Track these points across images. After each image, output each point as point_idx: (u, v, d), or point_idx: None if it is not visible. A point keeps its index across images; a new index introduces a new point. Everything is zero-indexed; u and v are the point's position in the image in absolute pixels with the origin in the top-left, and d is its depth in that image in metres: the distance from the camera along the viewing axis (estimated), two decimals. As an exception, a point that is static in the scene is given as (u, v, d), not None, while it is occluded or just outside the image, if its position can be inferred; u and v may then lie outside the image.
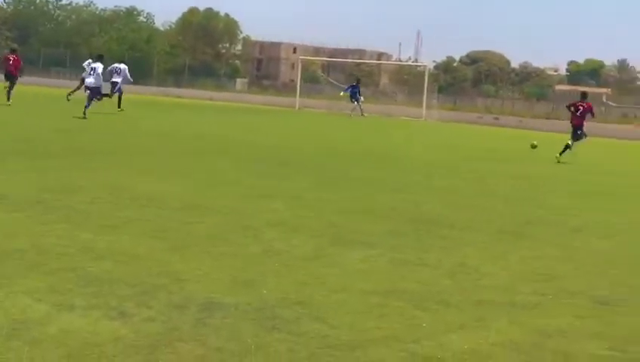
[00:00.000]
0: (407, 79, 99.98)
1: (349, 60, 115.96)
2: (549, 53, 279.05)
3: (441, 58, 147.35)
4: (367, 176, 17.23)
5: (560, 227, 12.13)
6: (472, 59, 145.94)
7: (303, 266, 8.34)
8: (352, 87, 50.28)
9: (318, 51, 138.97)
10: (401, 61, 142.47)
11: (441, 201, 14.05)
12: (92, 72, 32.06)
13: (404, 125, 40.08)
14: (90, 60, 34.94)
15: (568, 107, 27.92)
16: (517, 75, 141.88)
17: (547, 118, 56.00)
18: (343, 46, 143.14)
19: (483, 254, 9.66)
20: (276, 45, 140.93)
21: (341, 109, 54.14)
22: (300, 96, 56.26)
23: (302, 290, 7.36)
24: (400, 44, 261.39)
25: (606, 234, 11.83)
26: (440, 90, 67.76)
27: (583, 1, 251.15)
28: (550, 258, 9.72)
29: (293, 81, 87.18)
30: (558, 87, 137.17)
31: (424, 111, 50.88)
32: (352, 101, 48.94)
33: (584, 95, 29.26)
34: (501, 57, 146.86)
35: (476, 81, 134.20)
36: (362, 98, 50.09)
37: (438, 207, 13.32)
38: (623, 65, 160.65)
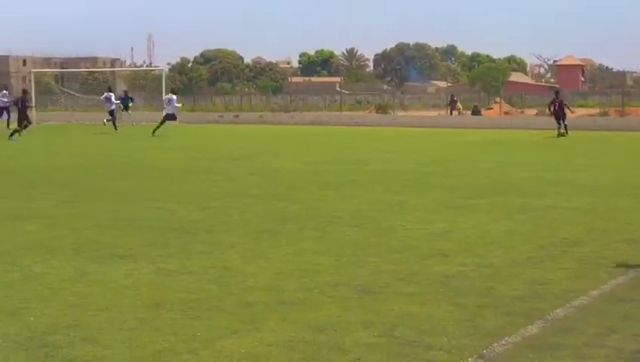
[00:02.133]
0: (144, 84, 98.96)
1: (82, 70, 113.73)
2: (280, 46, 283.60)
3: (175, 60, 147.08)
4: (118, 187, 17.02)
5: (314, 220, 12.41)
6: (206, 59, 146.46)
7: (68, 287, 8.20)
8: (122, 98, 49.98)
9: (48, 62, 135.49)
10: (135, 66, 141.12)
11: (196, 206, 14.06)
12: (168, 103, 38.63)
13: (146, 131, 39.68)
14: (171, 95, 39.91)
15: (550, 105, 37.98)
16: (251, 70, 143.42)
17: (286, 111, 56.80)
18: (74, 55, 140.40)
19: (245, 255, 9.79)
20: (4, 58, 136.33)
21: (79, 120, 53.05)
22: (37, 109, 54.69)
23: (70, 313, 7.24)
24: (132, 49, 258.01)
25: (358, 223, 12.19)
26: (178, 91, 67.56)
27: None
28: (310, 252, 9.96)
29: (28, 93, 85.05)
30: (293, 79, 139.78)
31: (164, 114, 50.41)
32: (125, 110, 48.51)
33: (557, 92, 40.24)
34: (234, 54, 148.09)
35: (212, 79, 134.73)
36: (132, 104, 49.72)
37: (193, 212, 13.33)
38: (351, 53, 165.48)
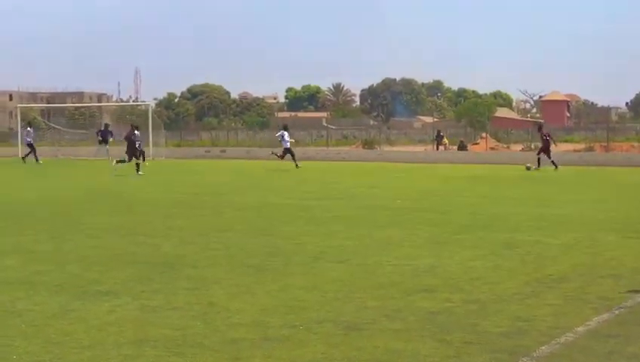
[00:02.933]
0: (131, 119, 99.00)
1: (69, 105, 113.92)
2: (267, 81, 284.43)
3: (162, 95, 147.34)
4: (102, 222, 16.93)
5: (300, 256, 12.38)
6: (193, 94, 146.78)
7: (51, 324, 8.14)
8: (101, 131, 50.01)
9: (35, 97, 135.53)
10: (122, 101, 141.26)
11: (181, 241, 14.02)
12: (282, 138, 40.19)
13: (130, 166, 39.69)
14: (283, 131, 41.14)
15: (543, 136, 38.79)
16: (238, 105, 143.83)
17: (275, 146, 56.83)
18: (61, 90, 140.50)
19: (230, 291, 9.75)
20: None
21: (65, 154, 53.02)
22: (22, 144, 54.58)
23: (53, 350, 7.19)
24: (119, 84, 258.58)
25: (344, 258, 12.16)
26: (165, 127, 67.52)
27: (292, 30, 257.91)
28: (295, 288, 9.92)
29: (12, 129, 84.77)
30: (280, 114, 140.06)
31: (151, 150, 50.53)
32: (103, 143, 48.53)
33: (540, 127, 42.42)
34: (220, 89, 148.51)
35: (199, 114, 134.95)
36: (112, 139, 49.72)
37: (178, 247, 13.29)
38: (338, 88, 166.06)
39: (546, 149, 38.25)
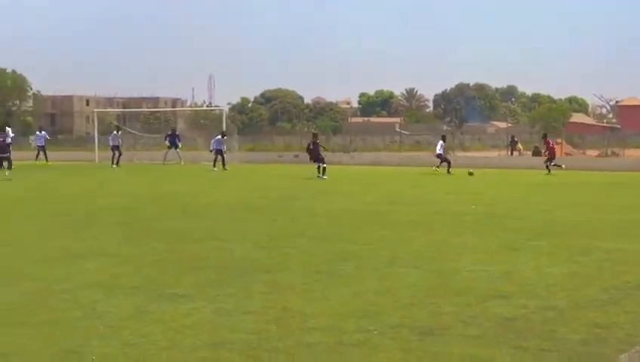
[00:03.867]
0: (205, 123, 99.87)
1: (144, 109, 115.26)
2: (340, 87, 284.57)
3: (235, 100, 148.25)
4: (176, 226, 17.07)
5: (374, 261, 12.36)
6: (267, 99, 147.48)
7: (128, 326, 8.23)
8: (169, 135, 50.67)
9: (111, 102, 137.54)
10: (196, 105, 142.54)
11: (255, 245, 14.08)
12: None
13: (206, 171, 40.04)
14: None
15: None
16: (311, 110, 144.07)
17: (345, 152, 56.82)
18: (136, 95, 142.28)
19: (304, 296, 9.77)
20: (68, 99, 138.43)
21: (140, 159, 53.61)
22: (99, 148, 55.33)
23: (130, 352, 7.27)
24: (193, 89, 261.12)
25: (417, 264, 12.11)
26: (238, 131, 67.94)
27: (366, 36, 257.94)
28: (369, 293, 9.90)
29: (89, 133, 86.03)
30: (353, 120, 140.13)
31: (225, 154, 50.86)
32: (172, 147, 49.23)
33: (545, 135, 44.70)
34: (294, 94, 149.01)
35: (272, 119, 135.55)
36: (180, 145, 50.37)
37: (252, 252, 13.35)
38: (411, 94, 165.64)
39: (552, 157, 40.35)
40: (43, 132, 51.35)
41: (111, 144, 47.50)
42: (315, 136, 39.23)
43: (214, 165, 42.57)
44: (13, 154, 38.27)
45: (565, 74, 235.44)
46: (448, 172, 38.51)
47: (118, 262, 12.31)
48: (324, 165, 36.15)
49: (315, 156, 36.72)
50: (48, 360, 6.96)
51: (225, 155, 43.49)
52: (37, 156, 48.92)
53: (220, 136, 44.40)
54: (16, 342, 7.56)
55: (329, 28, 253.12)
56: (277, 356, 7.14)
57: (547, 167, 39.60)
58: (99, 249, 13.74)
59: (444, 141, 41.75)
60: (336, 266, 11.89)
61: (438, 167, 39.48)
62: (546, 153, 41.06)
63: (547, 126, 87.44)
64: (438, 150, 40.65)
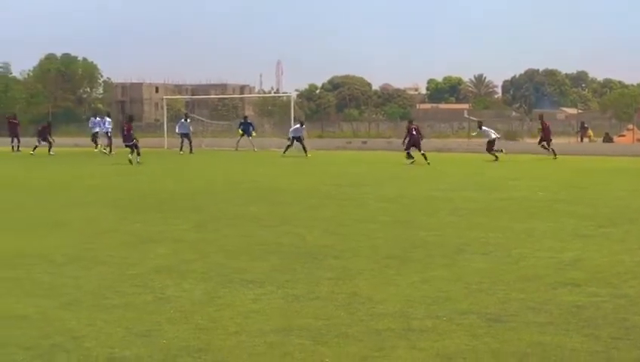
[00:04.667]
0: (272, 110, 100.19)
1: (212, 96, 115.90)
2: (408, 73, 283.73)
3: (303, 86, 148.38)
4: (246, 212, 17.17)
5: (443, 247, 12.33)
6: (334, 85, 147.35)
7: (198, 311, 8.31)
8: (242, 123, 51.05)
9: (180, 89, 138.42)
10: (264, 92, 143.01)
11: (324, 231, 14.12)
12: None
13: (275, 157, 40.24)
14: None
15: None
16: (379, 96, 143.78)
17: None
18: (204, 82, 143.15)
19: (373, 282, 9.78)
20: (137, 86, 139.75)
21: (208, 145, 53.99)
22: (168, 135, 55.78)
23: (200, 336, 7.34)
24: (261, 76, 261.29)
25: (487, 250, 12.06)
26: (306, 118, 68.03)
27: (438, 20, 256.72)
28: (439, 279, 9.89)
29: (158, 120, 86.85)
30: (421, 106, 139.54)
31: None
32: (245, 135, 49.56)
33: (541, 115, 45.36)
34: (362, 81, 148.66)
35: (340, 106, 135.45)
36: (254, 133, 50.78)
37: (321, 238, 13.38)
38: (479, 80, 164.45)
39: (547, 138, 40.70)
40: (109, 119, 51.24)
41: (178, 131, 47.82)
42: (410, 122, 39.46)
43: (285, 151, 42.85)
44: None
45: (638, 59, 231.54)
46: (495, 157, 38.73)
47: (188, 248, 12.43)
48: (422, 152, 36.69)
49: (415, 142, 37.10)
50: (120, 343, 7.06)
51: (304, 143, 43.68)
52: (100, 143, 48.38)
53: (299, 125, 44.79)
54: (89, 325, 7.68)
55: (399, 14, 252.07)
56: (346, 341, 7.17)
57: (543, 147, 40.74)
58: (170, 234, 13.88)
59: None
60: (406, 252, 11.88)
61: (499, 151, 39.62)
62: (541, 134, 41.75)
63: (618, 112, 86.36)
64: (493, 135, 40.65)
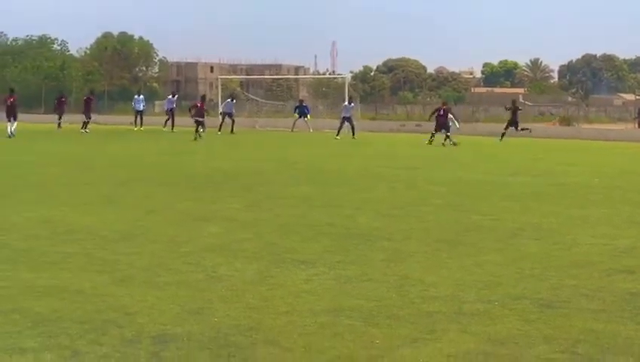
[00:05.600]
0: (327, 91, 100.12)
1: (267, 76, 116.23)
2: (463, 56, 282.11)
3: (357, 68, 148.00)
4: (299, 192, 17.21)
5: (496, 232, 12.26)
6: (389, 68, 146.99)
7: (249, 290, 8.34)
8: (298, 107, 51.27)
9: (234, 69, 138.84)
10: (319, 73, 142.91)
11: (376, 213, 14.11)
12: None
13: (328, 138, 40.25)
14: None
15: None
16: (434, 80, 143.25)
17: (466, 122, 56.37)
18: (259, 62, 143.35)
19: (425, 264, 9.75)
20: (193, 65, 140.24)
21: (262, 126, 54.20)
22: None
23: (251, 315, 7.36)
24: (316, 57, 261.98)
25: (540, 236, 11.96)
26: (360, 100, 67.93)
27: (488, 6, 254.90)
28: (491, 264, 9.84)
29: (212, 100, 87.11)
30: (476, 90, 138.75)
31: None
32: (300, 118, 49.69)
33: (513, 101, 43.16)
34: (417, 63, 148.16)
35: (394, 88, 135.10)
36: (309, 116, 50.90)
37: (374, 220, 13.37)
38: (535, 64, 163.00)
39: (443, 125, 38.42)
40: (175, 96, 52.45)
41: (222, 110, 47.89)
42: (444, 103, 39.58)
43: (338, 134, 42.72)
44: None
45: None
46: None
47: (240, 227, 12.48)
48: (448, 133, 36.76)
49: (442, 124, 37.43)
50: (172, 320, 7.11)
51: (353, 123, 43.65)
52: (165, 122, 49.20)
53: (346, 103, 45.21)
54: (142, 302, 7.73)
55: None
56: (397, 323, 7.15)
57: (522, 129, 40.26)
58: (222, 213, 13.94)
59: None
60: (458, 236, 11.83)
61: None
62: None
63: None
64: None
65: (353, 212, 14.19)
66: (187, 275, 9.03)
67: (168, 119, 48.97)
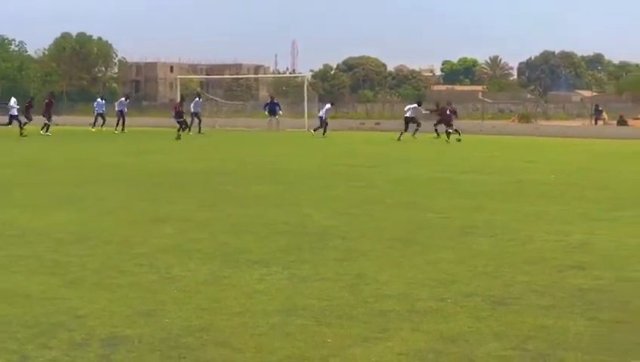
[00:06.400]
0: (287, 90, 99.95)
1: (227, 76, 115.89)
2: (423, 54, 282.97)
3: (317, 67, 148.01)
4: (254, 192, 17.20)
5: (448, 230, 12.29)
6: (349, 66, 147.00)
7: (202, 291, 8.31)
8: (268, 104, 51.00)
9: (194, 69, 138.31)
10: (279, 73, 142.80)
11: (333, 212, 14.11)
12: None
13: (288, 137, 40.21)
14: None
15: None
16: (394, 78, 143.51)
17: (425, 120, 56.55)
18: (219, 61, 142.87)
19: (379, 263, 9.76)
20: (152, 65, 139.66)
21: (221, 125, 54.01)
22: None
23: (203, 316, 7.34)
24: (276, 56, 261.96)
25: (493, 233, 12.01)
26: (320, 98, 67.94)
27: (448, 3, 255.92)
28: (443, 261, 9.86)
29: (172, 100, 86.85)
30: (436, 87, 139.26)
31: (306, 121, 51.09)
32: (271, 115, 49.45)
33: (449, 102, 42.41)
34: (377, 62, 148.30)
35: (354, 87, 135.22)
36: (281, 112, 50.70)
37: (329, 218, 13.37)
38: (495, 62, 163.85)
39: (446, 122, 38.99)
40: (127, 100, 52.64)
41: (193, 110, 47.61)
42: (449, 104, 41.12)
43: (316, 130, 43.96)
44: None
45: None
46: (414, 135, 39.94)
47: (195, 227, 12.44)
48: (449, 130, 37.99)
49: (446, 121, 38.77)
50: (123, 322, 7.07)
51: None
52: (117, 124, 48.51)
53: (329, 105, 45.90)
54: (93, 304, 7.68)
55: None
56: (349, 323, 7.15)
57: (445, 132, 38.73)
58: (177, 213, 13.88)
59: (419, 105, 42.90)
60: (412, 234, 11.86)
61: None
62: (439, 118, 40.74)
63: (635, 95, 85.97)
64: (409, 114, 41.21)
65: (309, 211, 14.19)
66: (140, 276, 8.98)
67: (119, 120, 48.59)
